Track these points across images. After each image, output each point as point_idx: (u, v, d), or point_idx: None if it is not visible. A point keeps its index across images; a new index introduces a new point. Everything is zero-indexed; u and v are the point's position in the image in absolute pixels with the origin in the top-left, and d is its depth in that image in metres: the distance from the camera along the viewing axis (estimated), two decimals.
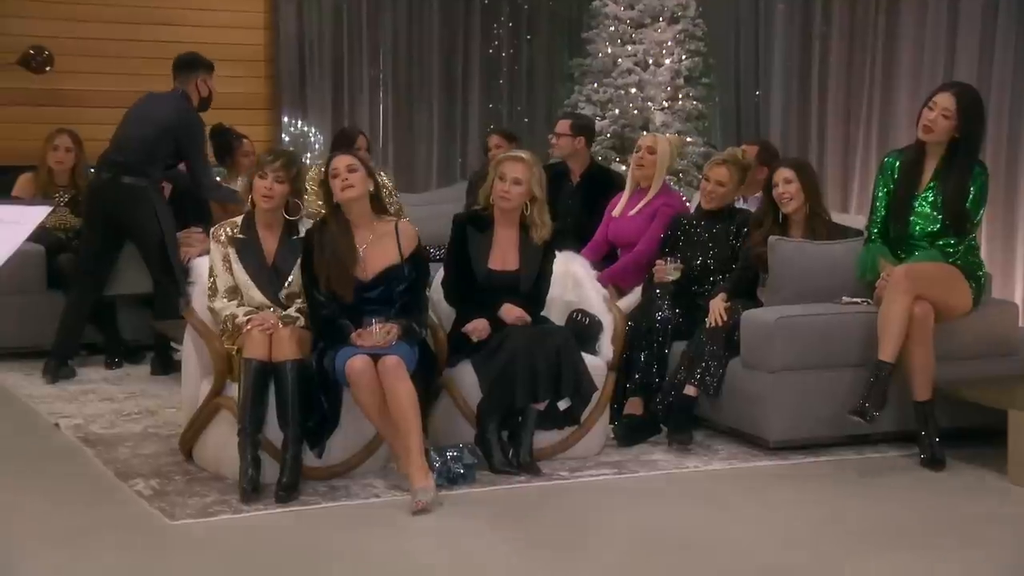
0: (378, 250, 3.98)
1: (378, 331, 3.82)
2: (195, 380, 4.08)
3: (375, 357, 3.77)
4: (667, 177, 5.54)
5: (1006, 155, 6.09)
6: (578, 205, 5.59)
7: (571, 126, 5.84)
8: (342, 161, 4.02)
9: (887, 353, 4.06)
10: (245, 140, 6.38)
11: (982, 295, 4.36)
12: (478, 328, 4.13)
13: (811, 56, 7.31)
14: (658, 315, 4.67)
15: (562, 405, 4.10)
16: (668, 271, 4.79)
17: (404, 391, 3.72)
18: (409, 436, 3.70)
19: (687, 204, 5.65)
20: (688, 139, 6.98)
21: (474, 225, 4.28)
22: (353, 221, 4.01)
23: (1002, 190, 6.02)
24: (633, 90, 7.11)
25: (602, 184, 5.66)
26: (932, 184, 4.33)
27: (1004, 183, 6.05)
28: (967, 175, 4.27)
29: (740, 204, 5.32)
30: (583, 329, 4.31)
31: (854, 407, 4.03)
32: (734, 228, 4.87)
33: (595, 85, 7.21)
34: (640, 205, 5.27)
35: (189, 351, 4.13)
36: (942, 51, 6.44)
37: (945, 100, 4.25)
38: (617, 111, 7.11)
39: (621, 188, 5.44)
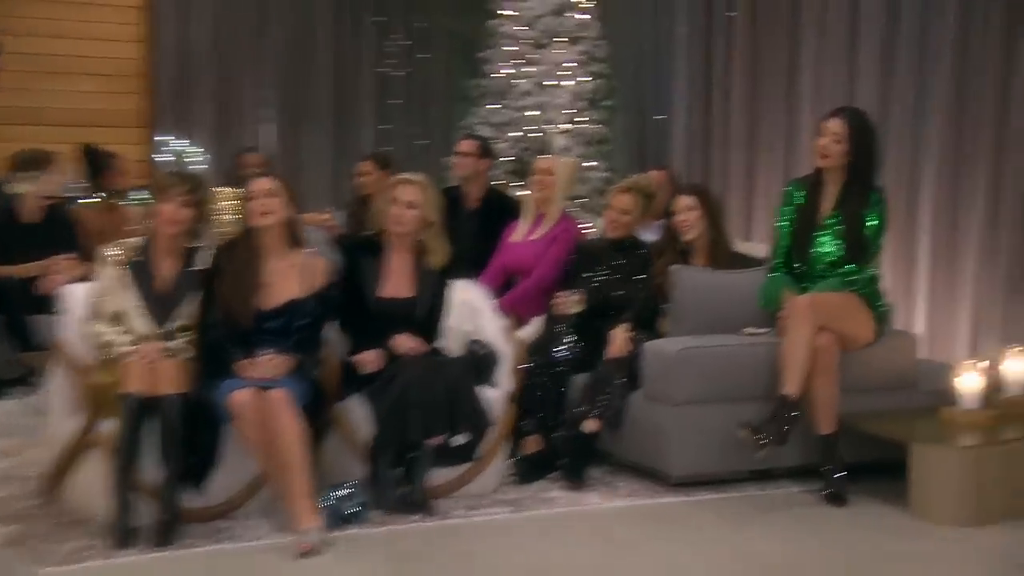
0: (285, 281, 3.96)
1: (267, 362, 3.78)
2: (63, 416, 3.98)
3: (262, 390, 3.73)
4: (568, 204, 5.63)
5: (907, 181, 6.30)
6: (475, 230, 5.63)
7: (479, 147, 5.92)
8: (261, 184, 3.99)
9: (790, 386, 4.15)
10: (117, 159, 6.28)
11: (884, 326, 4.50)
12: (370, 359, 4.11)
13: (712, 79, 7.51)
14: (559, 347, 4.72)
15: (458, 440, 4.10)
16: (569, 304, 4.84)
17: (291, 426, 3.69)
18: (296, 473, 3.66)
19: (588, 232, 5.75)
20: (590, 164, 7.09)
21: (364, 251, 4.27)
22: (264, 247, 3.98)
23: (902, 218, 6.23)
24: (532, 112, 7.21)
25: (500, 209, 5.72)
26: (834, 213, 4.46)
27: (904, 210, 6.25)
28: (865, 202, 4.41)
29: (644, 234, 5.43)
30: (480, 360, 4.33)
31: (745, 424, 4.12)
32: (638, 258, 4.97)
33: (493, 106, 7.30)
34: (540, 231, 5.34)
35: (57, 385, 4.03)
36: (843, 75, 6.68)
37: (835, 125, 4.41)
38: (516, 134, 7.20)
39: (519, 214, 5.51)
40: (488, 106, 7.30)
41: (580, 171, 6.24)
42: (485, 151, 5.96)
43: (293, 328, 3.93)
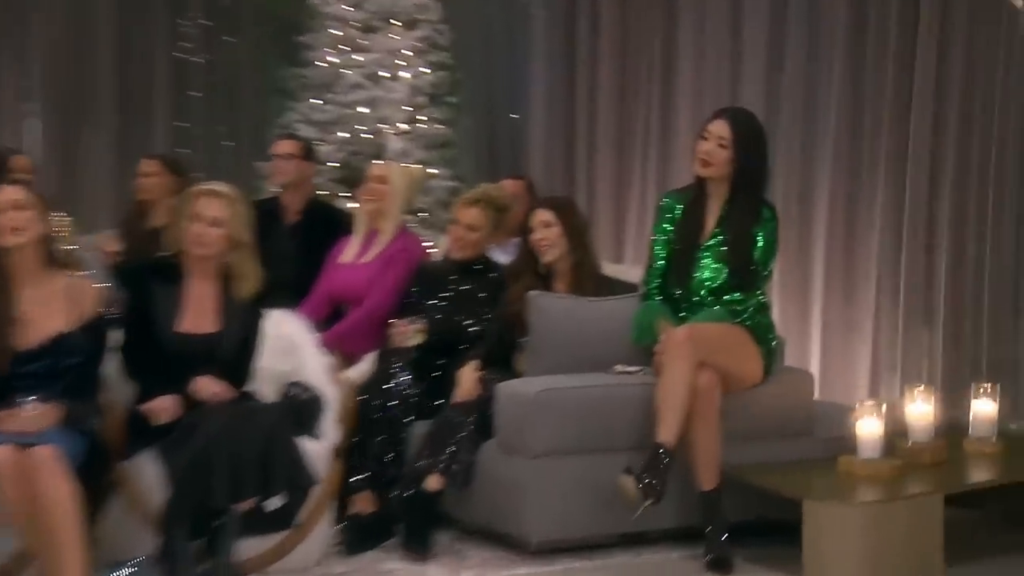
0: (47, 313, 3.86)
1: (30, 413, 3.67)
2: None
3: (25, 447, 3.62)
4: (407, 218, 5.65)
5: (798, 194, 6.52)
6: (294, 250, 5.60)
7: (300, 149, 5.90)
8: (7, 195, 3.87)
9: (667, 432, 4.20)
10: None
11: (774, 362, 4.62)
12: (164, 407, 4.03)
13: (576, 72, 7.65)
14: (396, 389, 4.72)
15: (273, 503, 4.05)
16: (408, 334, 4.85)
17: (61, 490, 3.58)
18: (67, 549, 3.56)
19: (431, 252, 5.77)
20: (431, 171, 7.13)
21: (157, 276, 4.20)
22: (15, 273, 3.86)
23: (795, 237, 6.44)
24: (363, 109, 7.20)
25: (325, 224, 5.70)
26: (717, 231, 4.57)
27: (798, 228, 6.47)
28: (753, 218, 4.53)
29: (498, 254, 5.48)
30: (300, 406, 4.29)
31: (627, 469, 4.16)
32: (489, 282, 5.01)
33: (316, 101, 7.26)
34: (373, 251, 5.34)
35: None
36: (726, 72, 6.89)
37: (719, 127, 4.52)
38: (344, 134, 7.18)
39: (348, 230, 5.50)
40: (310, 101, 7.27)
41: (422, 180, 6.26)
42: (307, 154, 5.95)
43: (61, 369, 3.83)
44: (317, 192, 6.26)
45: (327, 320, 5.24)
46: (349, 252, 5.41)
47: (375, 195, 5.39)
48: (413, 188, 5.55)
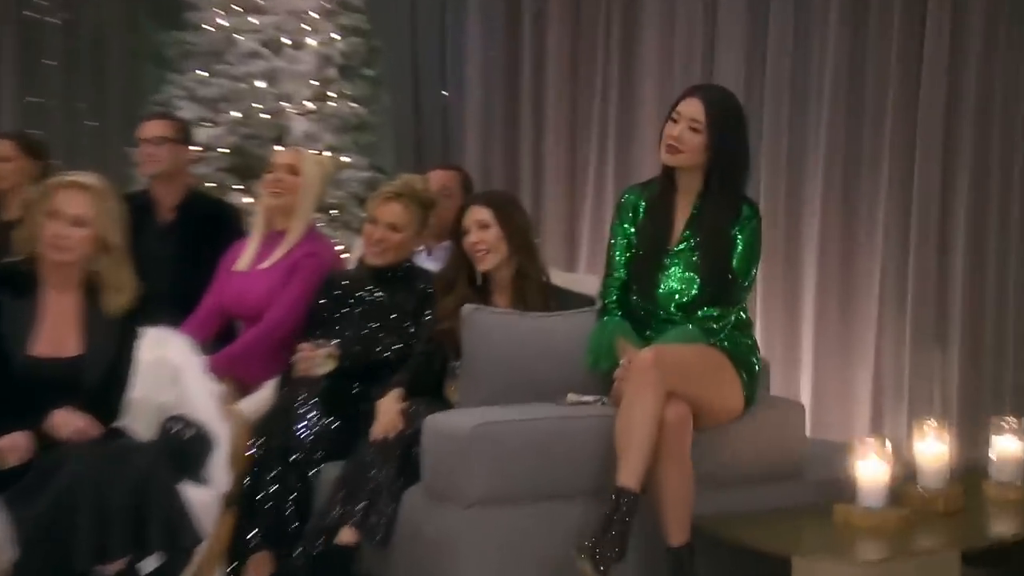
0: None
1: None
2: None
3: None
4: (315, 216, 5.65)
5: (785, 188, 6.59)
6: (174, 254, 5.59)
7: (176, 129, 5.87)
8: None
9: (629, 475, 4.20)
10: None
11: (756, 391, 4.66)
12: (13, 446, 4.01)
13: (521, 42, 7.67)
14: (301, 424, 4.72)
15: (149, 565, 4.04)
16: (316, 359, 4.86)
17: None
18: None
19: (343, 257, 5.78)
20: (344, 159, 7.12)
21: (6, 286, 4.17)
22: None
23: (781, 238, 6.51)
24: (260, 83, 7.21)
25: (206, 221, 5.71)
26: (687, 233, 4.62)
27: (784, 228, 6.52)
28: (730, 217, 4.57)
29: (425, 260, 5.49)
30: (183, 446, 4.27)
31: (581, 546, 4.19)
32: (414, 294, 5.03)
33: (202, 73, 7.24)
34: (275, 256, 5.34)
35: None
36: (699, 40, 6.93)
37: (691, 107, 4.55)
38: (236, 114, 7.17)
39: (237, 229, 5.51)
40: (195, 72, 7.25)
41: (336, 171, 6.27)
42: (182, 136, 5.92)
43: None
44: (204, 184, 6.24)
45: (217, 340, 5.24)
46: (245, 257, 5.40)
47: (283, 188, 5.39)
48: (326, 181, 5.57)
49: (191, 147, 6.08)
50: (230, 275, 5.40)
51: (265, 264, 5.35)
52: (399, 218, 5.10)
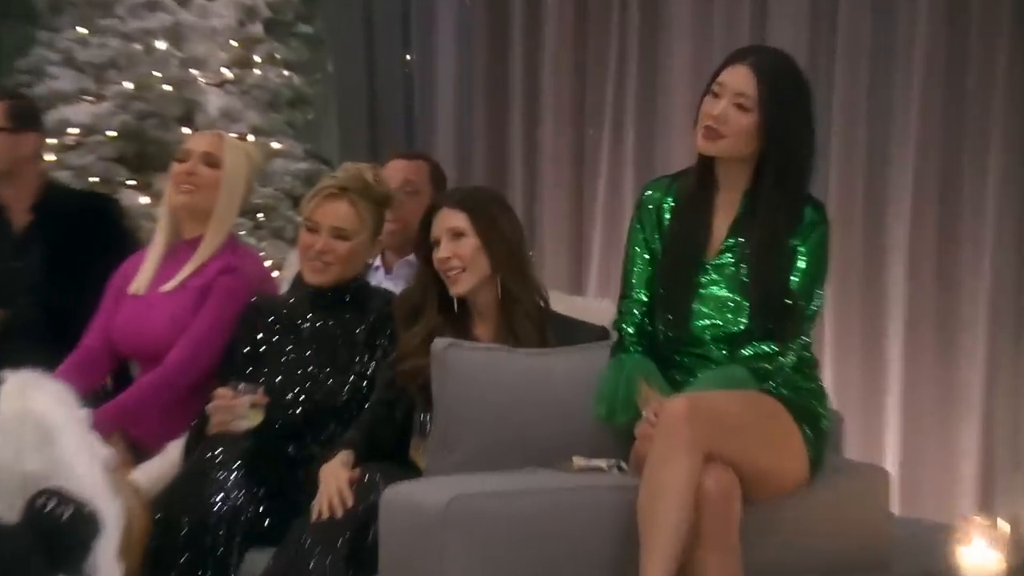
0: None
1: None
2: None
3: None
4: (243, 221, 5.63)
5: (863, 187, 6.59)
6: (38, 268, 5.60)
7: (12, 111, 5.85)
8: None
9: (657, 568, 4.20)
10: None
11: (824, 452, 4.64)
12: None
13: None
14: (217, 497, 4.69)
15: None
16: (238, 410, 4.83)
17: None
18: None
19: (274, 276, 5.75)
20: (275, 145, 7.10)
21: None
22: None
23: (859, 250, 6.52)
24: (161, 44, 7.21)
25: (83, 221, 5.73)
26: (731, 241, 4.61)
27: (862, 237, 6.53)
28: (789, 222, 4.56)
29: (383, 280, 5.46)
30: (58, 529, 4.24)
31: None
32: (369, 323, 5.02)
33: (80, 31, 7.25)
34: (182, 274, 5.31)
35: None
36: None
37: (738, 78, 4.54)
38: (128, 84, 7.17)
39: (126, 232, 5.49)
40: (76, 30, 7.27)
41: (263, 161, 6.24)
42: (22, 120, 5.88)
43: None
44: (89, 177, 6.23)
45: (104, 388, 5.23)
46: (142, 276, 5.37)
47: (197, 184, 5.36)
48: (255, 176, 5.54)
49: (37, 131, 6.01)
50: (122, 299, 5.37)
51: (169, 285, 5.31)
52: (345, 221, 5.05)
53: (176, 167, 5.44)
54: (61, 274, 5.54)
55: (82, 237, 5.58)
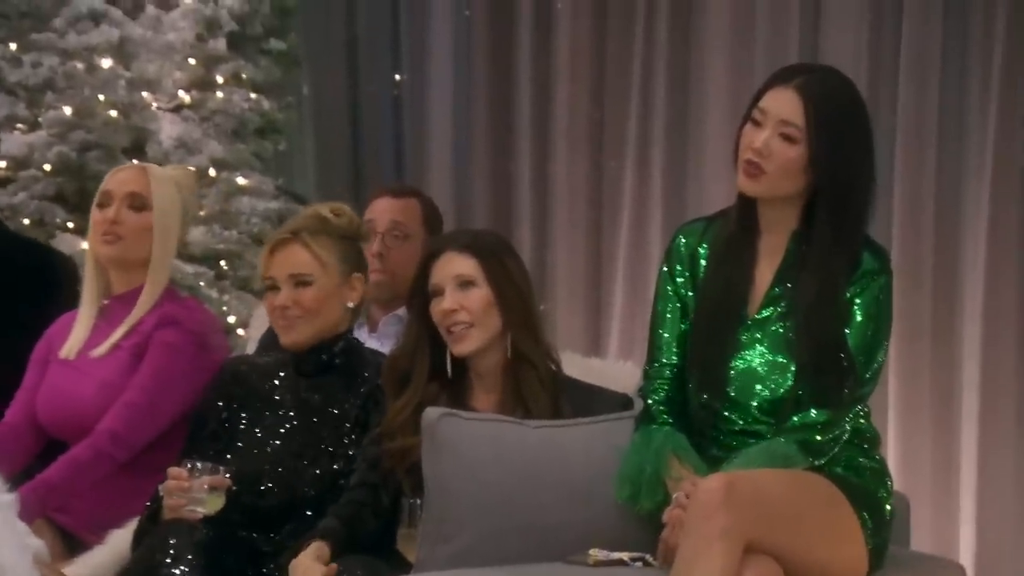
0: None
1: None
2: None
3: None
4: (202, 270, 5.62)
5: (935, 228, 6.61)
6: None
7: None
8: None
9: None
10: None
11: (887, 543, 4.63)
12: None
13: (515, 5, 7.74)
14: None
15: None
16: (195, 493, 4.82)
17: None
18: None
19: (214, 317, 5.75)
20: (240, 180, 7.12)
21: None
22: None
23: (927, 304, 6.54)
24: (106, 61, 7.23)
25: (12, 276, 5.74)
26: (775, 291, 4.63)
27: (932, 289, 6.56)
28: (843, 270, 4.56)
29: (367, 339, 5.46)
30: None
31: None
32: (359, 397, 5.03)
33: (12, 48, 7.28)
34: (117, 334, 5.32)
35: None
36: (795, 9, 6.98)
37: (783, 103, 4.55)
38: (66, 110, 7.20)
39: (66, 291, 5.53)
40: (4, 47, 7.29)
41: (193, 189, 6.20)
42: None
43: None
44: (19, 218, 6.25)
45: (32, 466, 5.22)
46: (72, 340, 5.39)
47: (123, 232, 5.32)
48: (187, 209, 5.49)
49: None
50: (52, 367, 5.39)
51: (100, 349, 5.33)
52: (301, 266, 5.00)
53: (96, 214, 5.41)
54: None
55: (11, 294, 5.58)
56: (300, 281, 5.02)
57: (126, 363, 5.27)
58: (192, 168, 6.20)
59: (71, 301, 5.60)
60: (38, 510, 4.90)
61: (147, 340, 5.26)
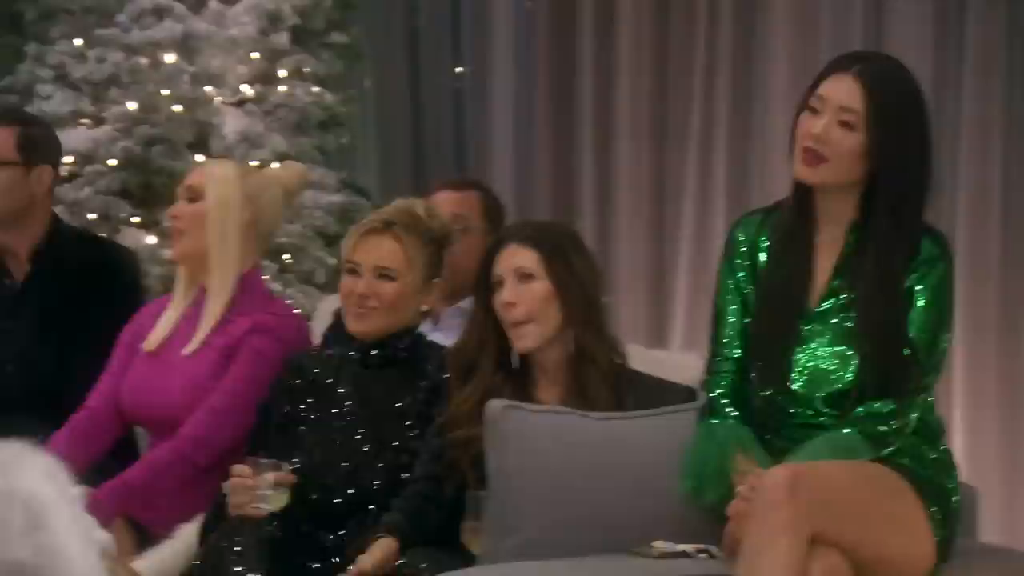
0: None
1: None
2: None
3: None
4: (266, 264, 5.63)
5: (1001, 215, 6.61)
6: (29, 326, 5.64)
7: (16, 139, 5.78)
8: None
9: None
10: None
11: (955, 535, 4.61)
12: None
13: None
14: None
15: None
16: (261, 490, 4.83)
17: None
18: None
19: (307, 327, 5.76)
20: (308, 172, 7.12)
21: None
22: None
23: (994, 291, 6.53)
24: (170, 57, 7.26)
25: (89, 275, 5.74)
26: (836, 283, 4.63)
27: (1000, 278, 6.56)
28: (904, 259, 4.56)
29: (431, 332, 5.46)
30: None
31: None
32: (424, 386, 5.03)
33: (77, 44, 7.30)
34: (203, 330, 5.32)
35: None
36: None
37: (843, 90, 4.55)
38: (132, 105, 7.22)
39: (137, 286, 5.62)
40: (72, 43, 7.31)
41: (298, 186, 6.21)
42: (26, 152, 5.80)
43: None
44: (86, 215, 6.26)
45: (107, 460, 5.24)
46: (158, 331, 5.38)
47: (183, 225, 5.29)
48: (245, 202, 5.45)
49: (51, 163, 5.93)
50: (135, 359, 5.38)
51: (190, 347, 5.33)
52: (390, 259, 5.02)
53: (169, 210, 5.47)
54: (56, 332, 5.51)
55: (87, 292, 5.56)
56: (384, 274, 5.01)
57: (215, 363, 5.27)
58: (299, 165, 6.21)
59: (136, 296, 5.62)
60: (116, 510, 4.93)
61: (238, 343, 5.26)
